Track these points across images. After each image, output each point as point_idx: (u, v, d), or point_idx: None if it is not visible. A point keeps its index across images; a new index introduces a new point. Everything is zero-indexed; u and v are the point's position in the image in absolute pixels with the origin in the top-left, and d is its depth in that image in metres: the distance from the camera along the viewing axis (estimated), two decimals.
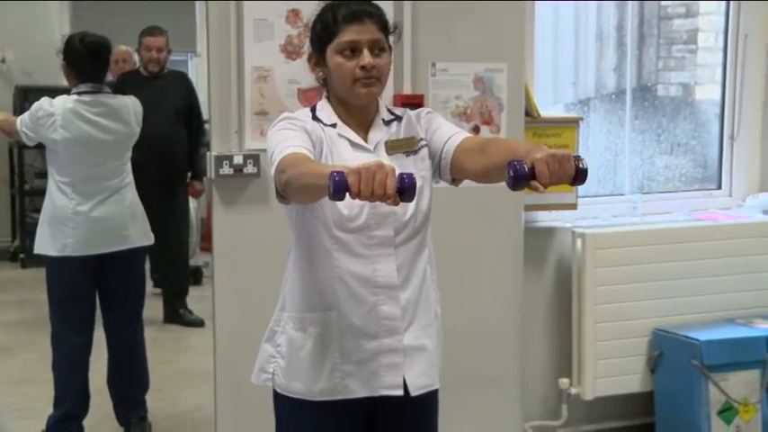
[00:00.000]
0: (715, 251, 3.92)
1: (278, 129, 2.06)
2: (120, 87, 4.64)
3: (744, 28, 4.22)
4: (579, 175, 1.80)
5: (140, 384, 3.85)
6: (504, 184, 1.84)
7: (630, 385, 3.84)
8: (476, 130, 3.44)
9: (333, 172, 1.70)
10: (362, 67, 2.04)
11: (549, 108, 3.91)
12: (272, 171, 1.98)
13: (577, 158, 1.81)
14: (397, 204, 1.73)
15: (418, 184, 2.04)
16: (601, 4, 4.30)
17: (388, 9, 3.15)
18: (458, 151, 2.10)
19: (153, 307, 4.76)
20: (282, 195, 2.02)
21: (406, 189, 1.70)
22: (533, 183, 1.78)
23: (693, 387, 3.67)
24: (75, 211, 3.56)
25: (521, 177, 1.77)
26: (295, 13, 3.20)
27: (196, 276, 6.42)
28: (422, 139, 2.15)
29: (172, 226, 5.33)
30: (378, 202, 1.73)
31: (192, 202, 6.20)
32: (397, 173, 1.70)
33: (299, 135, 2.03)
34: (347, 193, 1.69)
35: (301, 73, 2.91)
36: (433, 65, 3.39)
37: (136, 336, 3.83)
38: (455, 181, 2.17)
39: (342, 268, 2.07)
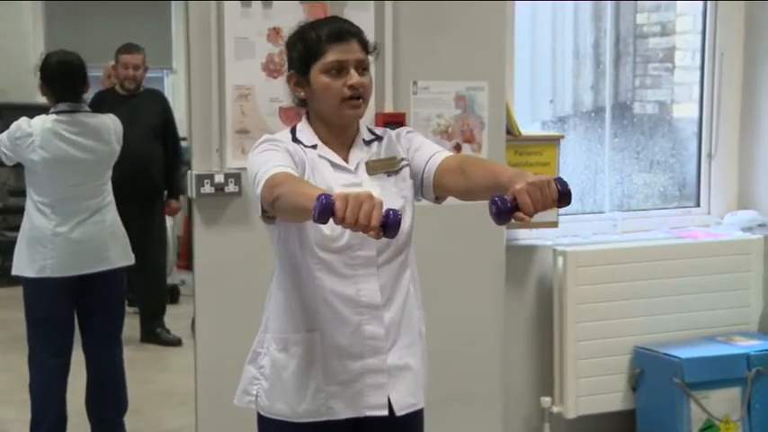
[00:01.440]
0: (695, 269, 3.94)
1: (261, 150, 2.05)
2: (97, 105, 4.60)
3: (720, 46, 4.26)
4: (563, 198, 1.82)
5: (119, 406, 3.79)
6: (486, 202, 1.85)
7: (612, 404, 3.85)
8: (457, 148, 3.44)
9: (320, 195, 1.70)
10: (350, 87, 2.04)
11: (526, 126, 3.92)
12: (259, 189, 1.96)
13: (559, 181, 1.82)
14: (378, 238, 1.72)
15: (399, 204, 2.06)
16: (577, 21, 4.33)
17: (369, 26, 3.18)
18: (439, 171, 2.10)
19: (129, 326, 4.69)
20: (267, 215, 2.00)
21: (390, 225, 1.70)
22: (518, 214, 1.79)
23: (675, 405, 3.68)
24: (55, 233, 3.51)
25: (504, 212, 1.79)
26: (276, 32, 3.19)
27: (173, 295, 6.35)
28: (403, 159, 2.15)
29: (149, 245, 5.27)
30: (360, 233, 1.72)
31: (169, 220, 6.15)
32: (385, 207, 1.70)
33: (283, 156, 2.03)
34: (331, 218, 1.68)
35: (283, 91, 2.88)
36: (415, 83, 3.40)
37: (114, 357, 3.77)
38: (438, 199, 2.17)
39: (325, 288, 2.06)
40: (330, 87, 2.05)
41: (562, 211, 3.81)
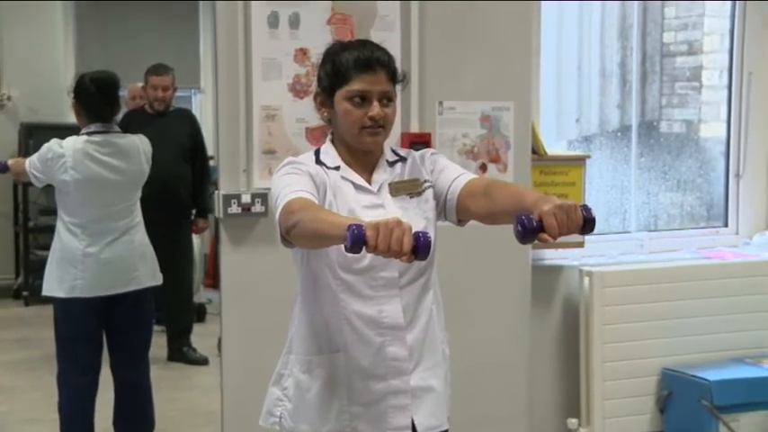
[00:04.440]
0: (723, 289, 3.91)
1: (282, 173, 2.08)
2: (126, 125, 4.64)
3: (748, 66, 4.25)
4: (587, 225, 1.83)
5: (146, 425, 3.80)
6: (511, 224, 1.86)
7: (640, 425, 3.82)
8: (483, 168, 3.45)
9: (351, 225, 1.71)
10: (371, 117, 2.06)
11: (552, 145, 3.92)
12: (278, 214, 1.99)
13: (584, 208, 1.83)
14: (410, 262, 1.74)
15: (422, 226, 2.06)
16: (604, 40, 4.33)
17: (396, 47, 3.20)
18: (462, 193, 2.11)
19: (156, 345, 4.71)
20: (286, 239, 2.01)
21: (421, 248, 1.71)
22: (542, 235, 1.81)
23: (704, 428, 3.65)
24: (85, 253, 3.54)
25: (529, 231, 1.80)
26: (303, 53, 3.22)
27: (200, 314, 6.37)
28: (426, 181, 2.16)
29: (176, 264, 5.30)
30: (392, 258, 1.73)
31: (196, 239, 6.19)
32: (414, 230, 1.71)
33: (304, 180, 2.04)
34: (364, 247, 1.70)
35: (309, 112, 2.90)
36: (440, 103, 3.41)
37: (141, 376, 3.79)
38: (461, 222, 2.17)
39: (348, 309, 2.07)
40: (351, 115, 2.07)
41: None
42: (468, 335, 3.28)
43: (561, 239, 3.69)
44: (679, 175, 4.38)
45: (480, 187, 2.09)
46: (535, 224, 1.79)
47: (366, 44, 2.15)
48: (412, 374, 2.10)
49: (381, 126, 2.07)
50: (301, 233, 1.90)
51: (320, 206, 1.99)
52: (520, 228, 1.80)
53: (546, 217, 1.79)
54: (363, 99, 2.06)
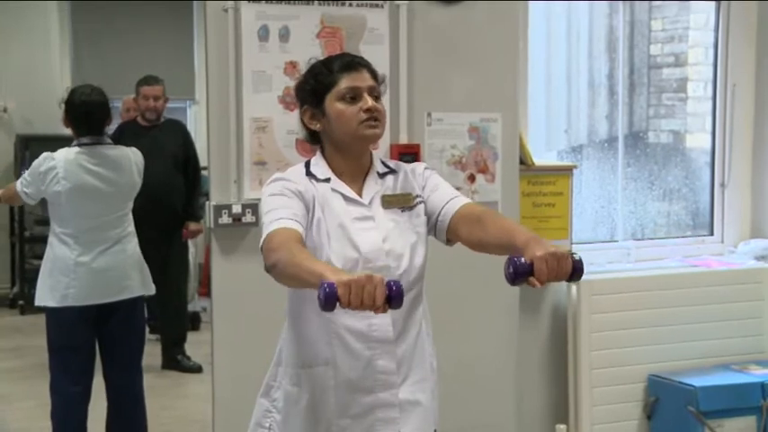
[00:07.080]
0: (708, 297, 3.95)
1: (271, 192, 2.09)
2: (118, 137, 4.69)
3: (732, 78, 4.31)
4: (575, 273, 1.87)
5: None
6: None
7: (627, 431, 3.85)
8: (471, 178, 3.49)
9: (323, 283, 1.73)
10: (366, 110, 2.09)
11: (541, 155, 3.96)
12: (261, 242, 1.99)
13: (574, 257, 1.87)
14: (385, 312, 1.77)
15: (413, 240, 2.10)
16: (592, 52, 4.39)
17: (384, 59, 3.25)
18: (456, 217, 2.13)
19: (150, 353, 4.76)
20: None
21: (394, 297, 1.75)
22: (531, 279, 1.85)
23: None
24: (77, 262, 3.58)
25: (521, 274, 1.84)
26: (292, 65, 3.26)
27: (194, 322, 6.42)
28: (418, 196, 2.18)
29: (170, 273, 5.35)
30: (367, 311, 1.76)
31: (191, 247, 6.22)
32: (386, 280, 1.74)
33: (291, 203, 2.05)
34: (337, 304, 1.73)
35: (299, 123, 2.97)
36: (429, 114, 3.45)
37: (135, 384, 3.82)
38: (449, 242, 2.19)
39: (337, 323, 2.09)
40: (346, 112, 2.09)
41: (576, 239, 3.85)
42: (457, 343, 3.32)
43: None
44: (665, 184, 4.43)
45: (474, 214, 2.10)
46: (527, 266, 1.83)
47: (344, 54, 2.23)
48: (400, 388, 2.12)
49: (377, 119, 2.10)
50: (280, 275, 1.92)
51: (299, 245, 1.96)
52: (512, 269, 1.83)
53: (537, 262, 1.83)
54: (354, 97, 2.09)
